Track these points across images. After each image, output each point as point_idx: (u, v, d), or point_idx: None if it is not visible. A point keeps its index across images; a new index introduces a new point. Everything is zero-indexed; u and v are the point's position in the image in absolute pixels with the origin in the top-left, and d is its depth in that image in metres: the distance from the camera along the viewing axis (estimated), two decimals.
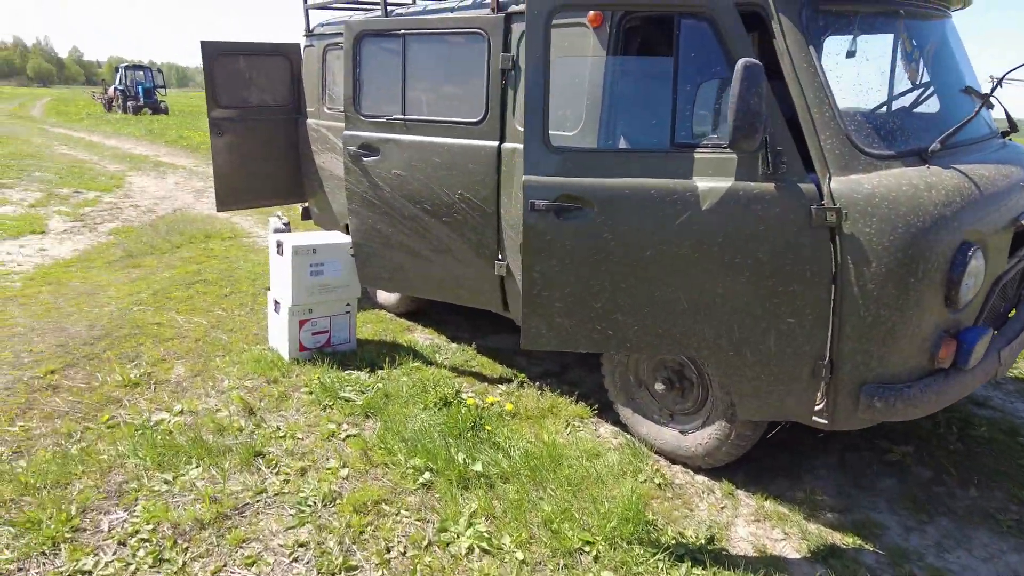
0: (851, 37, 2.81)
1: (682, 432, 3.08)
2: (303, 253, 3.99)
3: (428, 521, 2.70)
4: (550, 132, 2.64)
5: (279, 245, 4.08)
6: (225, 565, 2.44)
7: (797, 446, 3.29)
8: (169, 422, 3.37)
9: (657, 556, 2.51)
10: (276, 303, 4.15)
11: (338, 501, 2.79)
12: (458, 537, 2.60)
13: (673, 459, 3.15)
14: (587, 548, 2.55)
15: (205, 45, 5.00)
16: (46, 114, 31.63)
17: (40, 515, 2.63)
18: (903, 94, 3.00)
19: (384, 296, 5.09)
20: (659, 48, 3.38)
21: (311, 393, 3.70)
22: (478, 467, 2.98)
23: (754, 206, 2.41)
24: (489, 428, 3.31)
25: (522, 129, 3.35)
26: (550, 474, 2.98)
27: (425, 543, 2.58)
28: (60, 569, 2.39)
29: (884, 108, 2.95)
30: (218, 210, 5.35)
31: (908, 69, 2.99)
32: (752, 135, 2.22)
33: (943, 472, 3.13)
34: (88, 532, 2.59)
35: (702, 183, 2.47)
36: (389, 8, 4.12)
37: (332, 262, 4.10)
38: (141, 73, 31.47)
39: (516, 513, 2.72)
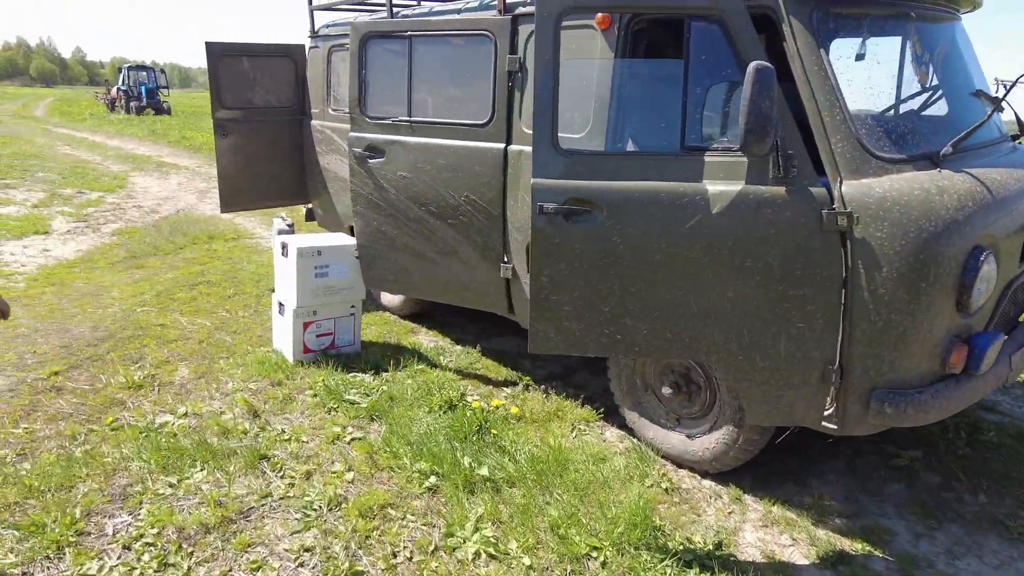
0: (861, 40, 2.79)
1: (689, 436, 3.07)
2: (308, 255, 3.98)
3: (434, 526, 2.68)
4: (559, 135, 2.62)
5: (284, 247, 4.06)
6: (230, 570, 2.43)
7: (804, 450, 3.27)
8: (173, 424, 3.36)
9: (665, 562, 2.49)
10: (280, 305, 4.14)
11: (344, 505, 2.77)
12: (464, 542, 2.58)
13: (680, 463, 3.13)
14: (594, 554, 2.53)
15: (210, 46, 4.99)
16: (49, 114, 31.68)
17: (44, 518, 2.62)
18: (913, 97, 2.98)
19: (388, 298, 5.07)
20: (666, 50, 3.36)
21: (316, 396, 3.68)
22: (484, 471, 2.97)
23: (765, 210, 2.39)
24: (495, 432, 3.30)
25: (528, 131, 3.33)
26: (556, 478, 2.96)
27: (431, 548, 2.56)
28: (64, 573, 2.38)
29: (895, 111, 2.93)
30: (222, 211, 5.34)
31: (918, 72, 2.97)
32: (763, 139, 2.20)
33: (952, 477, 3.11)
34: (92, 536, 2.57)
35: (712, 187, 2.45)
36: (395, 10, 4.11)
37: (337, 264, 4.08)
38: (144, 74, 31.54)
39: (523, 518, 2.70)
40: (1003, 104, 2.88)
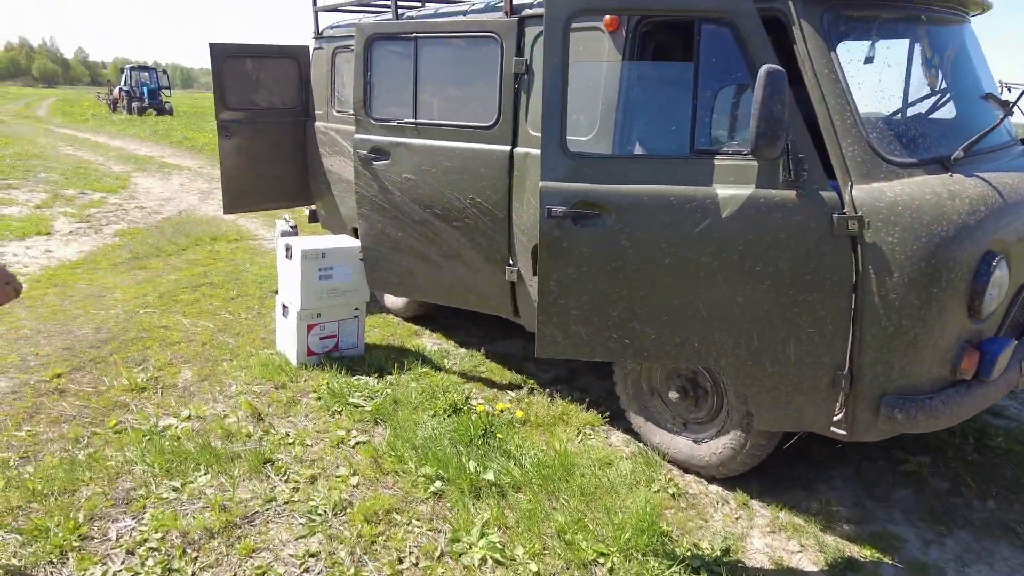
0: (870, 42, 2.78)
1: (696, 441, 3.05)
2: (312, 257, 3.96)
3: (440, 531, 2.67)
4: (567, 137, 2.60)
5: (288, 249, 4.04)
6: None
7: (811, 455, 3.25)
8: (177, 428, 3.34)
9: (673, 568, 2.47)
10: (284, 307, 4.12)
11: (349, 510, 2.75)
12: (470, 548, 2.56)
13: (686, 468, 3.11)
14: (601, 560, 2.51)
15: (214, 47, 4.98)
16: (51, 114, 31.70)
17: (48, 522, 2.60)
18: (923, 100, 2.96)
19: (391, 300, 5.05)
20: (674, 53, 3.34)
21: (320, 399, 3.67)
22: (490, 476, 2.95)
23: (775, 214, 2.37)
24: (500, 436, 3.28)
25: (534, 133, 3.32)
26: (562, 483, 2.94)
27: (437, 554, 2.54)
28: None
29: (905, 115, 2.91)
30: (225, 213, 5.33)
31: (927, 75, 2.95)
32: (775, 142, 2.19)
33: (960, 483, 3.09)
34: (96, 540, 2.55)
35: (722, 190, 2.43)
36: (399, 11, 4.10)
37: (341, 266, 4.06)
38: (146, 74, 31.56)
39: (529, 523, 2.68)
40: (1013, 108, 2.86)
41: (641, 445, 3.27)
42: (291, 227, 5.52)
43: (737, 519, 2.82)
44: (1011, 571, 2.56)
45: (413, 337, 4.67)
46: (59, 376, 3.86)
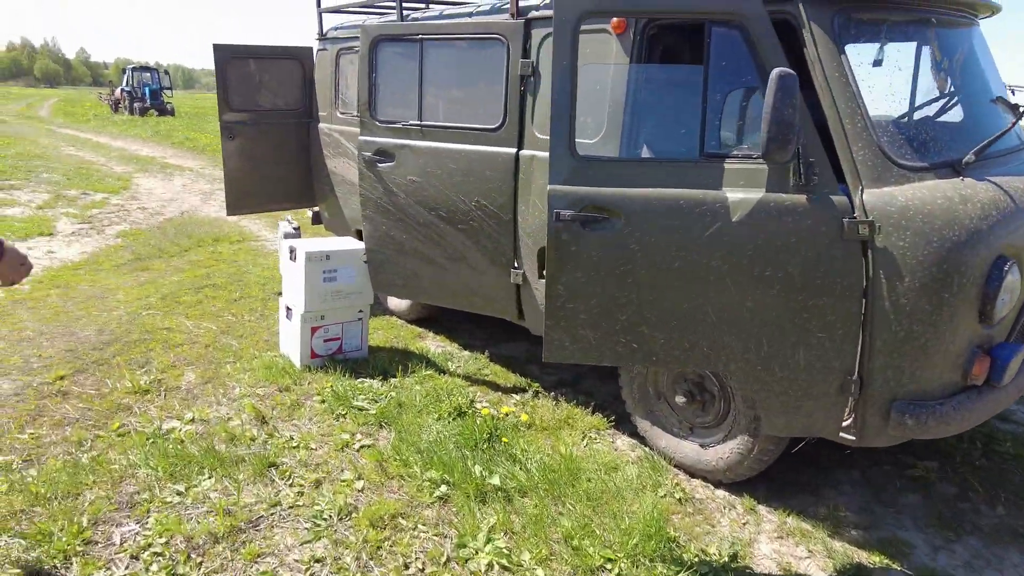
0: (880, 45, 2.76)
1: (702, 446, 3.03)
2: (316, 259, 3.94)
3: (446, 536, 2.65)
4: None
5: (292, 251, 4.03)
6: None
7: (818, 460, 3.23)
8: (180, 431, 3.32)
9: (680, 574, 2.45)
10: (288, 309, 4.11)
11: (354, 515, 2.74)
12: (477, 553, 2.54)
13: (693, 473, 3.09)
14: (609, 566, 2.49)
15: (218, 48, 4.97)
16: (53, 115, 31.71)
17: (51, 527, 2.58)
18: (932, 103, 2.94)
19: (395, 302, 5.04)
20: (682, 56, 3.33)
21: (324, 402, 3.65)
22: (495, 480, 2.93)
23: (785, 218, 2.36)
24: (505, 440, 3.26)
25: (540, 136, 3.30)
26: (568, 488, 2.92)
27: (444, 559, 2.52)
28: None
29: (915, 118, 2.90)
30: (228, 214, 5.31)
31: (937, 78, 2.94)
32: (785, 146, 2.17)
33: (968, 489, 3.07)
34: (100, 545, 2.53)
35: (732, 194, 2.42)
36: (404, 13, 4.08)
37: (345, 268, 4.05)
38: (148, 75, 31.58)
39: (535, 528, 2.66)
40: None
41: (647, 449, 3.26)
42: (294, 229, 5.51)
43: (744, 524, 2.80)
44: None
45: (417, 340, 4.65)
46: (62, 378, 3.85)
